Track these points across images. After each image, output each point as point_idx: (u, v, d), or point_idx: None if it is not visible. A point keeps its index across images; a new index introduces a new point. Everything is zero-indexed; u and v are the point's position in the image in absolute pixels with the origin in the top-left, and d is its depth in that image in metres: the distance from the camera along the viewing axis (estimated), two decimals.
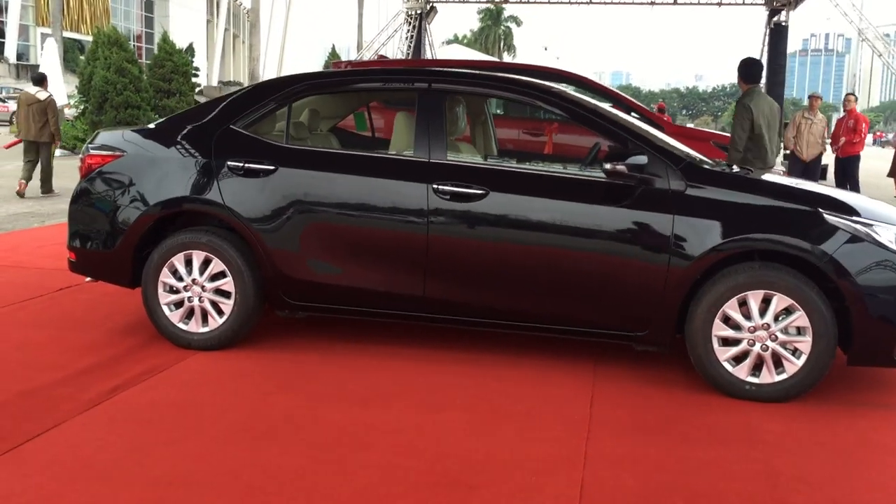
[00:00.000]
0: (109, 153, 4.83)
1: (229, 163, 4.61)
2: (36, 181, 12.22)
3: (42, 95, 12.41)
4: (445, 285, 4.44)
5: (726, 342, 4.16)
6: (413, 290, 4.47)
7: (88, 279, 5.12)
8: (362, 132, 6.42)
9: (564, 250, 4.29)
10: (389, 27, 23.89)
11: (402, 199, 4.44)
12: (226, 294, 4.67)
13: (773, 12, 21.06)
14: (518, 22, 75.86)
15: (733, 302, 4.10)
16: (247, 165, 4.59)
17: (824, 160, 12.94)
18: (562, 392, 4.21)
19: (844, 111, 12.97)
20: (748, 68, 6.95)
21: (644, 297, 4.20)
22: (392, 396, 4.09)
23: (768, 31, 21.29)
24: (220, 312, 4.69)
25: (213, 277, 4.66)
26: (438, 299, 4.46)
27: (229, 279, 4.63)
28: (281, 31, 35.01)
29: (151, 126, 5.02)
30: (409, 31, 22.12)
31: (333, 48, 32.69)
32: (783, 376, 4.10)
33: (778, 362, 4.11)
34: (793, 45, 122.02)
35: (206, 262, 4.65)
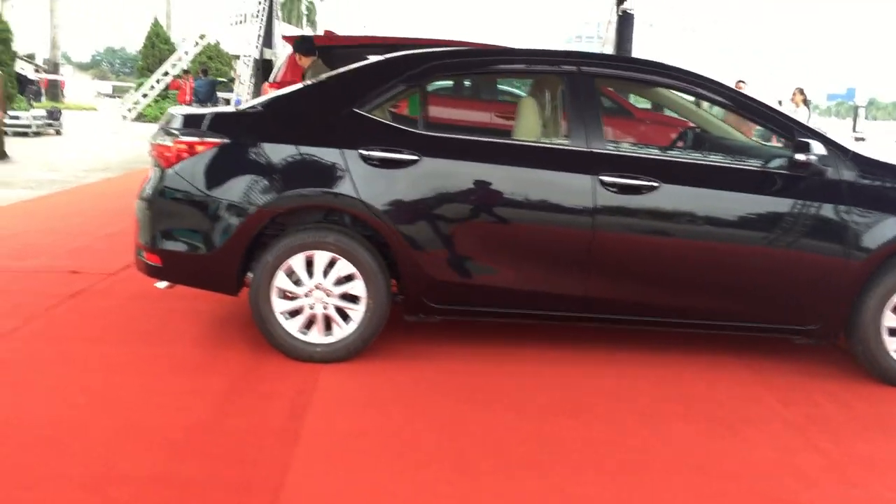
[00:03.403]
0: (206, 139, 4.13)
1: (361, 152, 4.07)
2: None
3: None
4: (610, 284, 4.17)
5: (893, 333, 4.19)
6: (573, 289, 4.17)
7: (164, 285, 4.38)
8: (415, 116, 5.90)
9: (739, 244, 4.13)
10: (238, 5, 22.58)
11: (563, 191, 4.11)
12: (352, 299, 4.14)
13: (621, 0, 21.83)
14: None
15: None
16: (384, 155, 4.07)
17: None
18: (742, 390, 4.09)
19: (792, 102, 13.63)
20: (305, 44, 7.90)
21: (820, 291, 4.15)
22: (589, 406, 3.79)
23: (616, 18, 22.04)
24: (345, 319, 4.16)
25: (338, 281, 4.12)
26: (601, 298, 4.19)
27: (359, 282, 4.11)
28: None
29: (250, 108, 4.34)
30: (260, 2, 20.97)
31: (156, 21, 30.44)
32: None
33: None
34: (571, 31, 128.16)
35: (330, 264, 4.10)
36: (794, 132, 4.20)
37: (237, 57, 27.13)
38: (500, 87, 9.26)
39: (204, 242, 4.12)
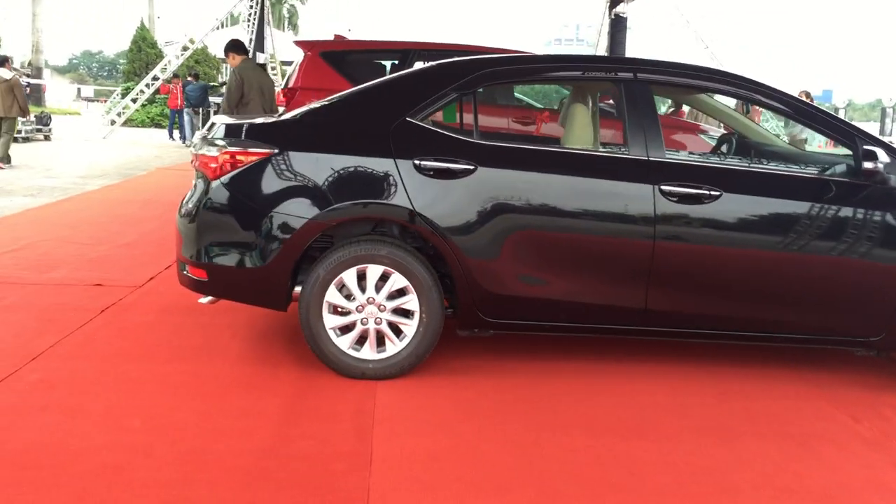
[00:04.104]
0: (253, 149, 3.99)
1: (416, 162, 3.94)
2: None
3: (7, 75, 13.36)
4: (670, 295, 4.06)
5: None
6: (633, 302, 4.06)
7: (208, 300, 4.23)
8: (450, 123, 5.78)
9: (802, 254, 4.04)
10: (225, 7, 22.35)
11: (623, 201, 4.00)
12: (405, 313, 4.02)
13: (613, 3, 21.85)
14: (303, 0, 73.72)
15: None
16: (440, 165, 3.95)
17: None
18: (807, 405, 3.99)
19: None
20: (237, 46, 8.56)
21: (883, 301, 4.07)
22: (653, 424, 3.68)
23: (609, 21, 22.06)
24: (397, 335, 4.03)
25: (391, 295, 3.99)
26: (662, 311, 4.08)
27: (412, 296, 3.98)
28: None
29: (295, 117, 4.20)
30: (251, 6, 20.75)
31: (143, 24, 30.06)
32: None
33: None
34: (550, 34, 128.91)
35: (382, 278, 3.97)
36: (855, 139, 4.11)
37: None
38: (517, 94, 9.14)
39: (252, 256, 3.97)
